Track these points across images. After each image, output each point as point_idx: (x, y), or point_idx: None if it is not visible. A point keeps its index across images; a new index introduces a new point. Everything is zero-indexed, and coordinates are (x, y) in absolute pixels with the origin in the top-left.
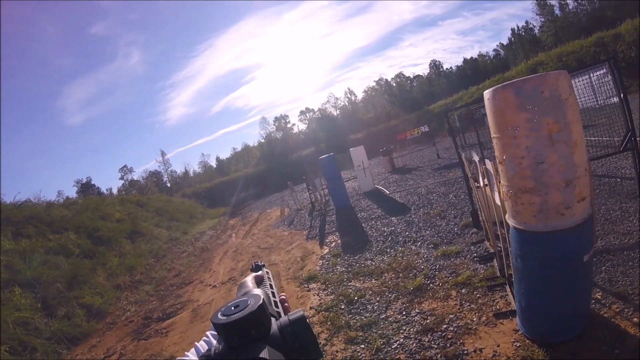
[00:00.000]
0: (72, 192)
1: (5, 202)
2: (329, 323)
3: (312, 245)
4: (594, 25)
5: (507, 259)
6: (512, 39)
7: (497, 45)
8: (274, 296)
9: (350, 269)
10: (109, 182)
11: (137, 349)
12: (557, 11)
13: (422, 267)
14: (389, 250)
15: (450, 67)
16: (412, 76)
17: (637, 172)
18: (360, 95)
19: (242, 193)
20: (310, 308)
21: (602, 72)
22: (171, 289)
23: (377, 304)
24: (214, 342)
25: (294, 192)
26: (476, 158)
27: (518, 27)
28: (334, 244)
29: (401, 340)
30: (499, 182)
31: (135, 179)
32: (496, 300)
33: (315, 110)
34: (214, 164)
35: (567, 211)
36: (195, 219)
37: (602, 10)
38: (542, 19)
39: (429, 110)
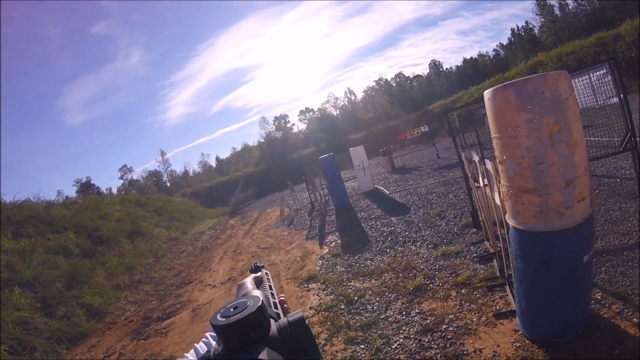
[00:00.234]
0: (71, 192)
1: (5, 202)
2: (328, 323)
3: (311, 245)
4: (594, 25)
5: (507, 259)
6: (512, 39)
7: (497, 45)
8: (273, 297)
9: (350, 269)
10: (109, 181)
11: (136, 349)
12: (557, 11)
13: (422, 267)
14: (388, 250)
15: (450, 67)
16: (412, 76)
17: (637, 173)
18: (360, 95)
19: (241, 193)
20: (310, 308)
21: (602, 72)
22: (171, 289)
23: (376, 304)
24: (213, 343)
25: (293, 192)
26: (476, 158)
27: (518, 27)
28: (333, 244)
29: (401, 340)
30: (499, 182)
31: (134, 178)
32: (496, 301)
33: (315, 110)
34: (213, 163)
35: (567, 211)
36: (194, 218)
37: (602, 11)
38: (542, 19)
39: (429, 110)
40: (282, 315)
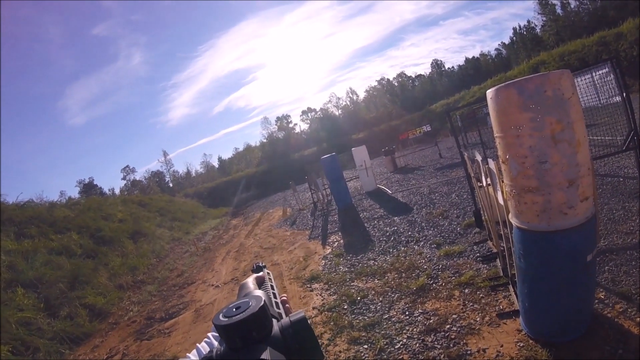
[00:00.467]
0: (74, 193)
1: (8, 203)
2: (331, 323)
3: (314, 245)
4: (596, 24)
5: (510, 259)
6: (514, 38)
7: (499, 44)
8: (275, 297)
9: (352, 269)
10: (111, 182)
11: (139, 349)
12: (559, 10)
13: (425, 267)
14: (391, 250)
15: (452, 67)
16: (414, 76)
17: (639, 172)
18: (362, 95)
19: (244, 193)
20: (313, 308)
21: (604, 71)
22: (174, 289)
23: (380, 304)
24: (216, 343)
25: (296, 192)
26: (479, 157)
27: (520, 26)
28: (336, 244)
29: (404, 340)
30: (502, 181)
31: (137, 179)
32: (499, 300)
33: (317, 110)
34: (216, 164)
35: (570, 211)
36: (197, 219)
37: (604, 10)
38: (544, 18)
39: (431, 109)
40: (284, 315)
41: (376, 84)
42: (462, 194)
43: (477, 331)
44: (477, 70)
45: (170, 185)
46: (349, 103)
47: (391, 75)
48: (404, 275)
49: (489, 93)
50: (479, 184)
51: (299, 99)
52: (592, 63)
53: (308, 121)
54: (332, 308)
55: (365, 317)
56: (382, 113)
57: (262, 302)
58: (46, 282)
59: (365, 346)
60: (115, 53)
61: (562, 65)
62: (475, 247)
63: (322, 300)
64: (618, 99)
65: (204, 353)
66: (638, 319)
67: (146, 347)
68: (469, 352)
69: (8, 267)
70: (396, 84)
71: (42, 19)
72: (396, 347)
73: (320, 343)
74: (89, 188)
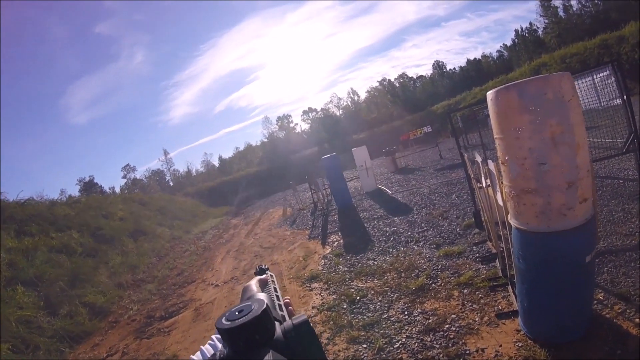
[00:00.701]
0: (74, 191)
1: (8, 201)
2: (331, 322)
3: (314, 244)
4: (597, 27)
5: (509, 260)
6: (516, 40)
7: (500, 46)
8: (278, 300)
9: (352, 269)
10: (112, 181)
11: (139, 348)
12: (560, 13)
13: (425, 267)
14: (391, 250)
15: (454, 68)
16: (415, 77)
17: (639, 174)
18: (363, 95)
19: (244, 192)
20: (313, 308)
21: (605, 73)
22: (173, 288)
23: (379, 303)
24: (219, 345)
25: (296, 191)
26: (479, 159)
27: (522, 28)
28: (336, 243)
29: (403, 340)
30: (502, 182)
31: (138, 177)
32: (498, 301)
33: (318, 110)
34: (216, 163)
35: (570, 212)
36: (197, 218)
37: (606, 12)
38: (546, 21)
39: (432, 111)
40: (287, 317)
41: (377, 84)
42: (462, 195)
43: (476, 331)
44: (478, 72)
45: (171, 184)
46: (350, 103)
47: (393, 76)
48: (403, 275)
49: (489, 95)
50: (479, 185)
51: (300, 98)
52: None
53: (309, 121)
54: (332, 307)
55: (365, 317)
56: (383, 114)
57: (265, 305)
58: (46, 280)
59: (365, 345)
60: (117, 52)
61: (564, 68)
62: (474, 247)
63: (322, 299)
64: (619, 101)
65: (208, 355)
66: (637, 319)
67: (146, 346)
68: (467, 351)
69: (8, 265)
70: (397, 84)
71: (44, 18)
72: (395, 346)
73: (322, 345)
74: (89, 186)
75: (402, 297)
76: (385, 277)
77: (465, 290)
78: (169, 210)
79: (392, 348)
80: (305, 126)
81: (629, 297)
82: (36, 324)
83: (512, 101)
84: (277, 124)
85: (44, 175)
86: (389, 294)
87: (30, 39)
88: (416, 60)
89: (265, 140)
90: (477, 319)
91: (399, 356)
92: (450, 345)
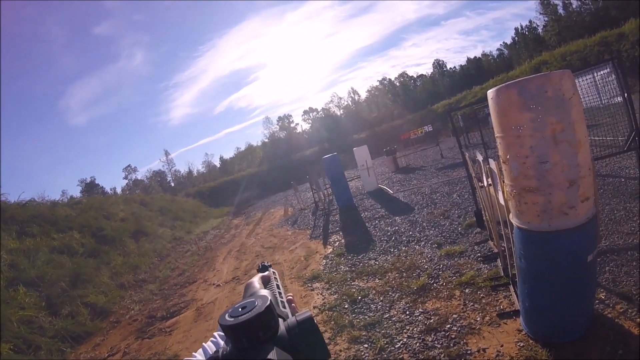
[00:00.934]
0: (76, 192)
1: (10, 202)
2: (332, 322)
3: (315, 244)
4: (597, 24)
5: (511, 259)
6: (516, 38)
7: (500, 44)
8: (281, 297)
9: (353, 269)
10: (113, 181)
11: (141, 348)
12: (560, 10)
13: (426, 266)
14: (392, 250)
15: (454, 67)
16: (415, 76)
17: None
18: (363, 95)
19: (245, 193)
20: (314, 307)
21: (606, 71)
22: (175, 288)
23: (380, 303)
24: (222, 343)
25: (297, 191)
26: (480, 158)
27: (521, 26)
28: (337, 243)
29: (405, 339)
30: (503, 181)
31: (139, 178)
32: (500, 300)
33: (319, 110)
34: (217, 163)
35: (571, 211)
36: (198, 218)
37: (606, 10)
38: (546, 19)
39: (433, 110)
40: (290, 314)
41: (378, 84)
42: (463, 194)
43: (477, 331)
44: (478, 71)
45: (172, 184)
46: (350, 103)
47: (393, 75)
48: (404, 274)
49: (490, 93)
50: (480, 184)
51: (301, 98)
52: (594, 63)
53: (309, 121)
54: (333, 307)
55: (366, 317)
56: (383, 113)
57: (268, 302)
58: (48, 281)
59: (366, 345)
60: (117, 53)
61: (564, 66)
62: (476, 247)
63: (323, 299)
64: (619, 99)
65: (210, 353)
66: (638, 319)
67: (147, 346)
68: (469, 351)
69: (10, 265)
70: (398, 84)
71: (44, 19)
72: (396, 346)
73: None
74: (90, 187)
75: (404, 296)
76: (387, 277)
77: (467, 290)
78: (170, 211)
79: (393, 348)
80: (306, 126)
81: (631, 296)
82: (38, 324)
83: (513, 99)
84: (277, 124)
85: (45, 176)
86: (390, 293)
87: (30, 39)
88: (416, 59)
89: (266, 140)
90: (478, 319)
91: (400, 356)
92: (451, 345)
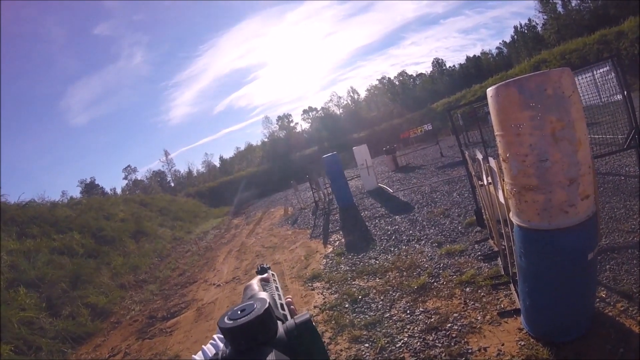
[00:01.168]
0: (76, 192)
1: (10, 202)
2: (333, 322)
3: (315, 244)
4: (597, 22)
5: (511, 258)
6: (515, 36)
7: (499, 43)
8: (280, 299)
9: (354, 268)
10: (113, 182)
11: (141, 348)
12: (560, 9)
13: (426, 265)
14: (392, 249)
15: (453, 66)
16: (414, 75)
17: None
18: (363, 94)
19: (245, 192)
20: (315, 307)
21: (605, 69)
22: (175, 288)
23: (381, 302)
24: (221, 345)
25: (297, 191)
26: (480, 156)
27: (521, 24)
28: (337, 242)
29: (405, 339)
30: (503, 180)
31: (139, 178)
32: (500, 299)
33: (318, 109)
34: (217, 163)
35: (571, 209)
36: (198, 218)
37: (605, 8)
38: (545, 17)
39: (432, 108)
40: (289, 316)
41: (377, 82)
42: (463, 193)
43: (478, 330)
44: (478, 69)
45: (172, 184)
46: (350, 102)
47: (392, 74)
48: (405, 274)
49: (489, 92)
50: (480, 183)
51: (300, 98)
52: (593, 61)
53: (309, 120)
54: (334, 307)
55: (367, 316)
56: (383, 112)
57: (267, 305)
58: (48, 282)
59: (367, 345)
60: (116, 53)
61: (564, 64)
62: (476, 245)
63: (324, 299)
64: (619, 97)
65: (210, 355)
66: (639, 317)
67: (148, 346)
68: (470, 350)
69: (10, 266)
70: (397, 82)
71: (44, 19)
72: (397, 345)
73: (324, 344)
74: (90, 188)
75: (404, 296)
76: (387, 276)
77: (467, 289)
78: (170, 211)
79: (394, 347)
80: (305, 125)
81: (632, 294)
82: (38, 325)
83: (512, 97)
84: (277, 124)
85: (45, 176)
86: (390, 293)
87: (30, 40)
88: (415, 58)
89: (266, 139)
90: (479, 318)
91: (401, 355)
92: (452, 344)
